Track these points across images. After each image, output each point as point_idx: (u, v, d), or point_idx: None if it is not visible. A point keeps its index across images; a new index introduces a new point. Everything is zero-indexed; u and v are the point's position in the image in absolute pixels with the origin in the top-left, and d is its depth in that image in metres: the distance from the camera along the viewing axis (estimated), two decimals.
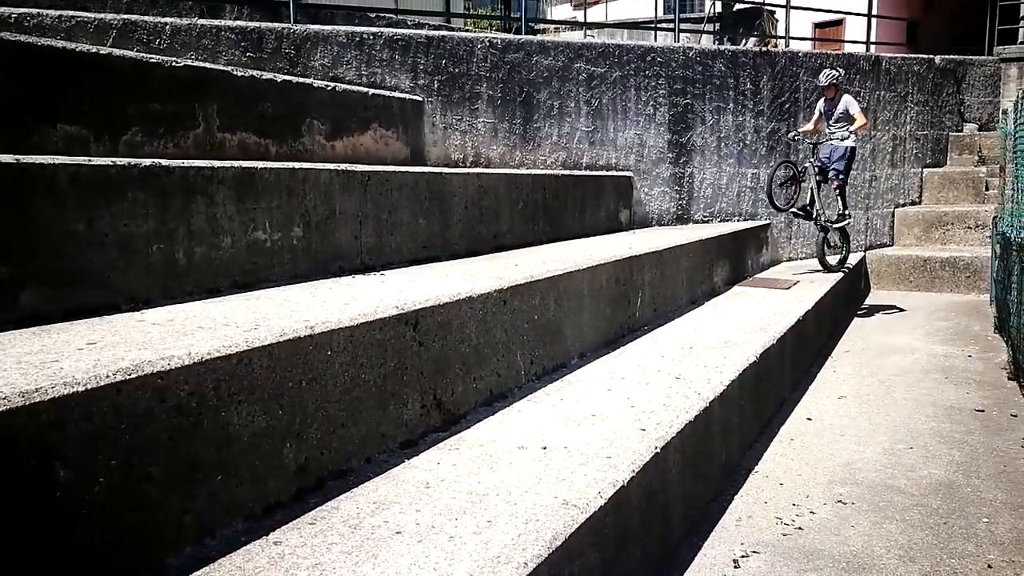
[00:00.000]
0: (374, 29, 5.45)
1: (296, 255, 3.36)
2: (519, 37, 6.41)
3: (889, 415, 4.42)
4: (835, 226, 7.34)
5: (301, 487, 2.26)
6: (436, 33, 5.94)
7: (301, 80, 4.47)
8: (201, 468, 1.96)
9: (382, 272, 3.68)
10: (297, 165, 3.39)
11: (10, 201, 2.28)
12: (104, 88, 3.35)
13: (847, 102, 7.08)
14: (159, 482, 1.85)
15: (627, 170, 7.11)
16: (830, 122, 7.25)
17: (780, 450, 3.92)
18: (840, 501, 3.30)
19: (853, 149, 7.13)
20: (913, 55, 9.43)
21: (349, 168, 3.67)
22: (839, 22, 18.43)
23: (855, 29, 16.19)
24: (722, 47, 8.20)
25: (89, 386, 1.71)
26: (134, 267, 2.66)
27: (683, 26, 8.94)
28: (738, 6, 14.94)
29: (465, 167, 5.97)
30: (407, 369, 2.72)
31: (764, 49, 8.51)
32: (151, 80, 3.56)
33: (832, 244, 7.49)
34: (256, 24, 4.85)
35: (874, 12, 10.55)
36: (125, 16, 4.32)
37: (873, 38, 10.69)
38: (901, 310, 7.64)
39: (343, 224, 3.62)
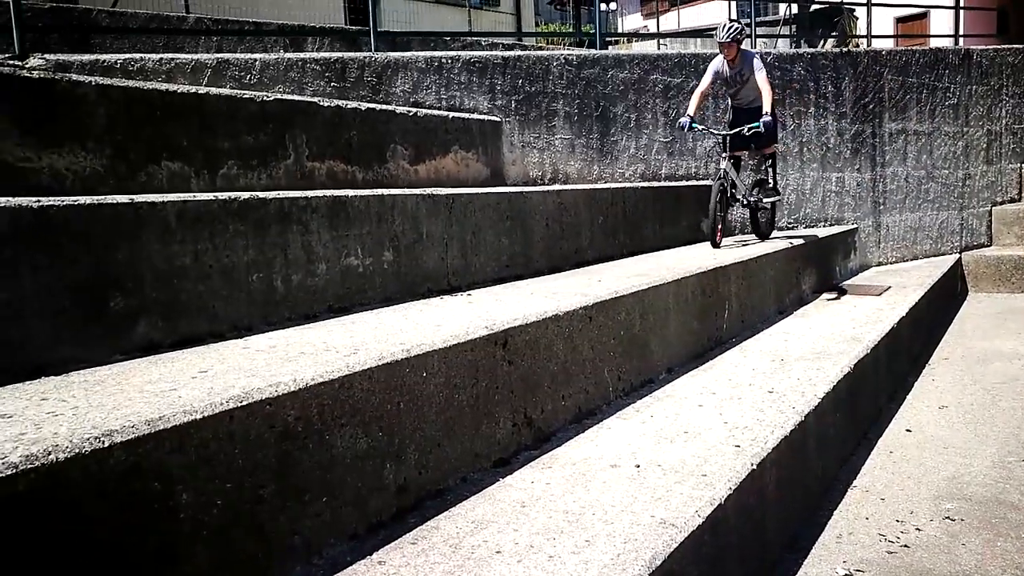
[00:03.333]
0: (452, 53, 5.56)
1: (387, 279, 3.45)
2: (594, 52, 6.43)
3: (996, 425, 4.22)
4: (766, 200, 6.31)
5: (401, 507, 2.31)
6: (512, 53, 6.01)
7: (384, 107, 4.60)
8: (308, 490, 2.03)
9: (468, 292, 3.74)
10: (385, 192, 3.49)
11: (127, 238, 2.43)
12: (202, 126, 3.53)
13: (753, 65, 5.87)
14: (269, 504, 1.93)
15: (708, 179, 7.02)
16: (731, 91, 6.12)
17: (879, 463, 3.79)
18: (948, 517, 3.17)
19: (772, 115, 5.72)
20: (1007, 45, 9.02)
21: (434, 192, 3.75)
22: (923, 15, 17.78)
23: (940, 22, 15.58)
24: (800, 50, 8.03)
25: (205, 413, 1.80)
26: (236, 296, 2.78)
27: (758, 31, 8.79)
28: (815, 6, 14.60)
29: (544, 184, 6.01)
30: (498, 388, 2.76)
31: (845, 49, 8.28)
32: (244, 115, 3.73)
33: (764, 215, 6.46)
34: (339, 55, 5.02)
35: (961, 3, 10.15)
36: (218, 55, 4.55)
37: (961, 30, 10.28)
38: (1001, 314, 7.28)
39: (430, 247, 3.70)
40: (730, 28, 5.87)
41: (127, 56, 4.18)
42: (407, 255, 3.58)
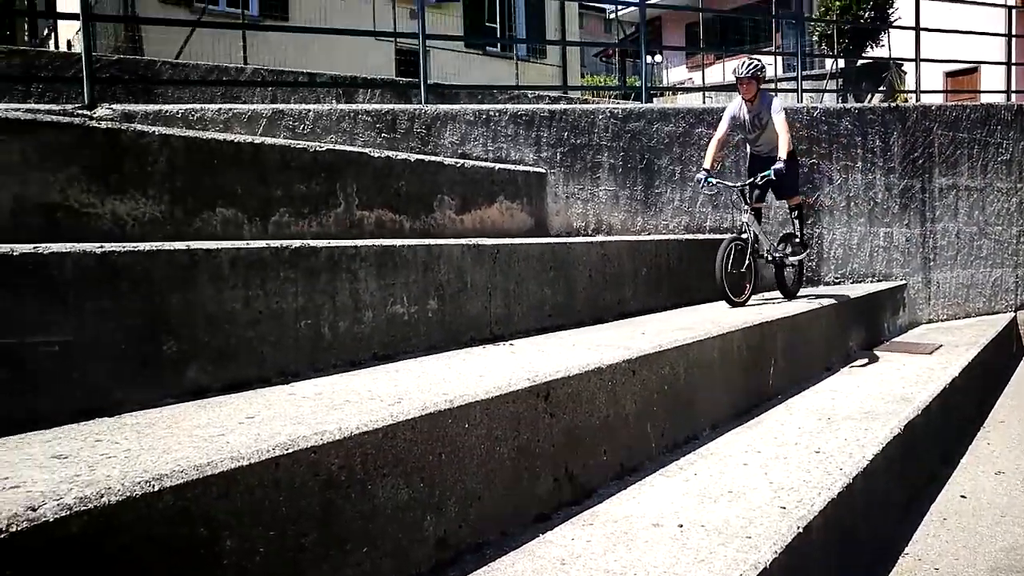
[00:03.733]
0: (499, 106, 5.67)
1: (431, 327, 3.48)
2: (639, 106, 6.49)
3: None
4: (791, 257, 5.92)
5: (440, 560, 2.30)
6: (558, 107, 6.10)
7: (432, 159, 4.69)
8: (349, 540, 2.03)
9: (511, 342, 3.75)
10: (432, 241, 3.54)
11: (182, 284, 2.50)
12: (256, 174, 3.63)
13: (770, 106, 5.45)
14: (311, 553, 1.94)
15: None
16: (750, 136, 5.68)
17: (932, 531, 3.66)
18: None
19: (787, 162, 5.25)
20: None
21: (479, 243, 3.79)
22: (973, 70, 17.63)
23: (991, 77, 15.42)
24: (848, 105, 8.00)
25: (252, 460, 1.82)
26: (284, 342, 2.83)
27: (804, 84, 8.80)
28: (862, 61, 14.59)
29: (587, 235, 6.04)
30: (539, 441, 2.74)
31: (893, 104, 8.23)
32: (297, 164, 3.83)
33: (792, 272, 6.07)
34: (390, 107, 5.15)
35: (1013, 59, 10.05)
36: (273, 105, 4.70)
37: (1013, 86, 10.16)
38: None
39: (474, 296, 3.73)
40: (749, 64, 5.49)
41: (188, 106, 4.35)
42: (451, 304, 3.61)
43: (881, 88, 13.92)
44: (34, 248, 2.17)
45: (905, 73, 16.17)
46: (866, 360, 5.94)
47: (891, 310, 7.26)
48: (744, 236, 5.39)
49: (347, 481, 2.03)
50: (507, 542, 2.50)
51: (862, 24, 14.54)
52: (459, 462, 2.39)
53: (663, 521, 2.68)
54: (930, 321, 8.02)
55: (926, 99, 13.58)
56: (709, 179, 5.38)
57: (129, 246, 2.41)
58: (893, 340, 6.95)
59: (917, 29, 8.82)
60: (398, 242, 3.38)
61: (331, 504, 1.99)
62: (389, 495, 2.15)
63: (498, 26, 18.66)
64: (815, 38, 15.53)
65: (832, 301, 5.82)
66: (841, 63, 14.37)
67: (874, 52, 15.49)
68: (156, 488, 1.63)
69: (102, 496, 1.55)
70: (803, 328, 5.16)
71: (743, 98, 5.56)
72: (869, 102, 13.61)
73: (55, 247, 2.23)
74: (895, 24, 14.25)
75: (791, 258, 5.95)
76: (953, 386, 5.04)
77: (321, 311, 2.97)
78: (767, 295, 6.18)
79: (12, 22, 14.60)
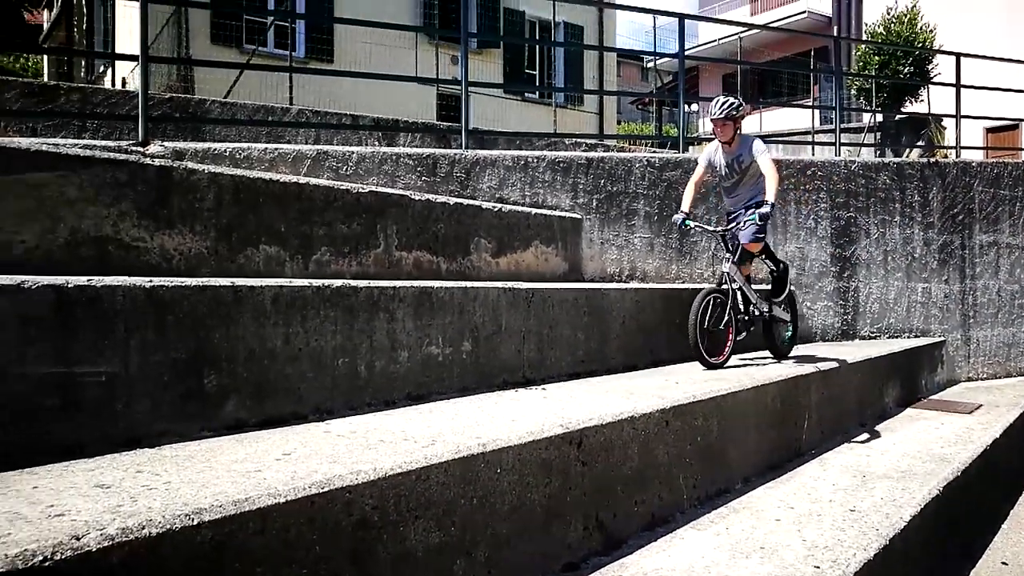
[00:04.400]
0: (537, 153, 5.74)
1: (465, 369, 3.50)
2: (676, 155, 6.54)
3: None
4: (776, 312, 5.28)
5: None
6: (595, 154, 6.17)
7: (471, 202, 4.76)
8: None
9: (543, 386, 3.75)
10: (468, 284, 3.58)
11: (225, 319, 2.56)
12: (300, 212, 3.71)
13: (751, 148, 4.88)
14: None
15: (790, 284, 6.94)
16: (726, 184, 5.15)
17: None
18: None
19: (772, 207, 4.70)
20: None
21: (515, 286, 3.82)
22: (1014, 127, 17.49)
23: None
24: (887, 160, 7.96)
25: (288, 498, 1.84)
26: (321, 379, 2.87)
27: (842, 138, 8.79)
28: (900, 115, 14.55)
29: (622, 281, 6.05)
30: (570, 489, 2.73)
31: (933, 160, 8.19)
32: (339, 204, 3.91)
33: (782, 326, 5.46)
34: (431, 151, 5.25)
35: None
36: (317, 147, 4.82)
37: None
38: None
39: (508, 339, 3.75)
40: (724, 103, 4.89)
41: (235, 145, 4.48)
42: (485, 346, 3.63)
43: (919, 143, 13.84)
44: (88, 280, 2.24)
45: (945, 128, 16.10)
46: (902, 417, 5.83)
47: (929, 367, 7.13)
48: (724, 287, 4.83)
49: (380, 522, 2.04)
50: None
51: (902, 80, 14.54)
52: (490, 506, 2.39)
53: (694, 575, 2.64)
54: (969, 379, 7.85)
55: (966, 155, 13.48)
56: (687, 222, 4.85)
57: (176, 281, 2.47)
58: (931, 398, 6.81)
59: (958, 86, 8.80)
60: (436, 284, 3.42)
61: (364, 544, 2.00)
62: (421, 537, 2.15)
63: (537, 73, 18.98)
64: (853, 91, 15.56)
65: (868, 356, 5.73)
66: (879, 117, 14.34)
67: (913, 107, 15.46)
68: (195, 522, 1.66)
69: (143, 528, 1.58)
70: (838, 383, 5.09)
71: (720, 141, 5.01)
72: (907, 156, 13.55)
73: (107, 280, 2.30)
74: (935, 80, 14.23)
75: (776, 313, 5.30)
76: (994, 447, 4.92)
77: (358, 350, 3.01)
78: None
79: (71, 61, 15.18)
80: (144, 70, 4.38)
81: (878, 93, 14.90)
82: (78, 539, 1.49)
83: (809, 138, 13.90)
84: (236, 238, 3.41)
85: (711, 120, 4.95)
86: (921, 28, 16.46)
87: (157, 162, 3.19)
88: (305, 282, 2.86)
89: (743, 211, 5.02)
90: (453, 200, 4.62)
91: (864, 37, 19.05)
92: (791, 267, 5.62)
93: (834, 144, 8.52)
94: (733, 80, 22.65)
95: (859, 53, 16.68)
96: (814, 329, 7.16)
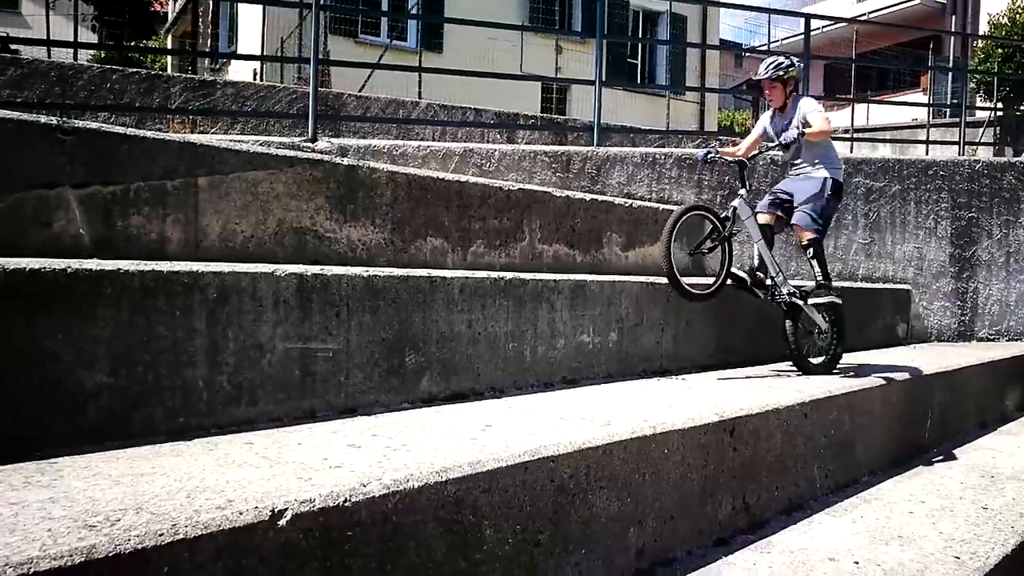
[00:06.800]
0: (664, 150, 5.95)
1: (610, 357, 3.78)
2: None
3: None
4: (812, 301, 4.43)
5: (638, 569, 2.56)
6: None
7: (604, 198, 5.01)
8: (571, 540, 2.33)
9: (682, 376, 3.99)
10: (616, 278, 3.84)
11: (422, 305, 2.90)
12: (459, 208, 4.05)
13: (805, 109, 4.34)
14: (543, 549, 2.25)
15: (905, 283, 6.94)
16: (788, 156, 4.63)
17: None
18: None
19: (834, 183, 4.34)
20: None
21: (655, 281, 4.07)
22: None
23: None
24: (1014, 160, 7.80)
25: (509, 463, 2.15)
26: (495, 361, 3.19)
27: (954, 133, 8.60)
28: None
29: None
30: (723, 472, 2.97)
31: None
32: (493, 201, 4.23)
33: (812, 331, 4.48)
34: (565, 148, 5.53)
35: None
36: (465, 144, 5.17)
37: None
38: None
39: (648, 331, 4.00)
40: (772, 62, 4.39)
41: (392, 142, 4.86)
42: (629, 336, 3.89)
43: None
44: (321, 269, 2.61)
45: None
46: (1023, 422, 5.80)
47: None
48: (723, 215, 4.17)
49: (574, 488, 2.34)
50: (692, 561, 2.74)
51: None
52: (658, 483, 2.66)
53: (838, 557, 2.84)
54: None
55: None
56: (709, 153, 4.41)
57: (386, 271, 2.82)
58: None
59: None
60: (588, 277, 3.70)
61: (560, 507, 2.30)
62: (604, 505, 2.44)
63: (639, 62, 19.00)
64: (972, 84, 15.01)
65: (989, 358, 5.73)
66: (999, 112, 13.83)
67: None
68: (444, 479, 1.98)
69: (408, 480, 1.91)
70: (959, 384, 5.14)
71: (771, 106, 4.56)
72: None
73: (335, 269, 2.66)
74: None
75: (810, 307, 4.42)
76: None
77: (524, 336, 3.32)
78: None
79: (195, 61, 16.10)
80: (315, 74, 4.79)
81: (1000, 87, 14.35)
82: (364, 486, 1.83)
83: (918, 134, 13.54)
84: (408, 231, 3.76)
85: (760, 82, 4.47)
86: None
87: (346, 161, 3.57)
88: (484, 273, 3.18)
89: (794, 178, 4.55)
90: (589, 196, 4.88)
91: (983, 26, 18.29)
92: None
93: (958, 143, 8.37)
94: (836, 67, 22.06)
95: (981, 45, 16.07)
96: (930, 329, 7.14)
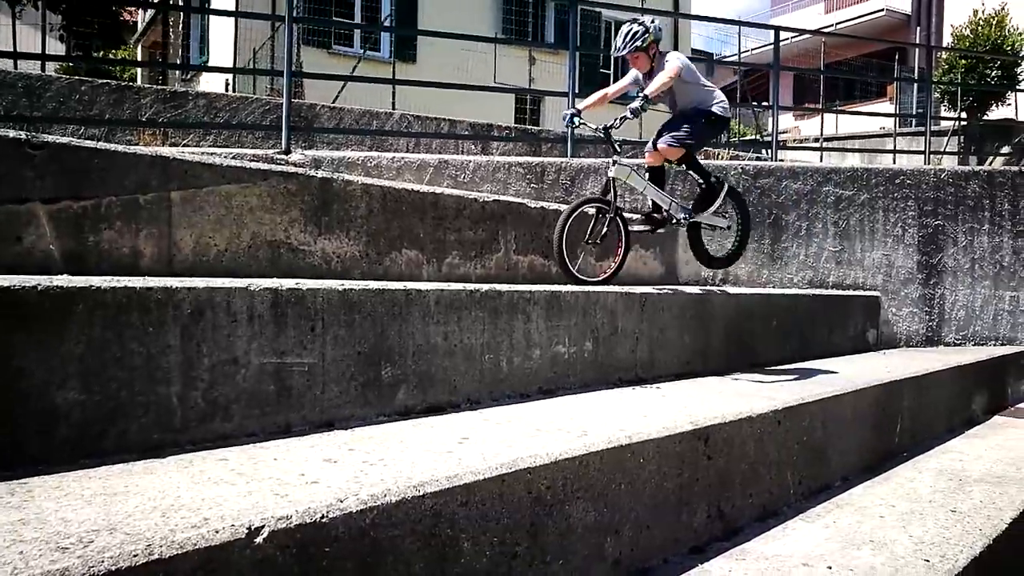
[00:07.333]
0: (638, 160, 5.99)
1: (586, 366, 3.80)
2: (770, 164, 6.72)
3: None
4: (708, 212, 4.84)
5: None
6: None
7: None
8: (549, 552, 2.34)
9: (656, 385, 4.02)
10: (591, 289, 3.87)
11: (398, 318, 2.90)
12: (435, 220, 4.06)
13: (668, 61, 4.42)
14: (521, 560, 2.25)
15: (874, 290, 7.06)
16: (669, 106, 4.76)
17: None
18: None
19: (706, 112, 4.46)
20: None
21: (630, 291, 4.10)
22: None
23: None
24: (977, 168, 7.99)
25: (486, 476, 2.16)
26: (471, 373, 3.20)
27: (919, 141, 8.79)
28: (987, 118, 14.31)
29: (715, 284, 6.27)
30: (697, 480, 3.00)
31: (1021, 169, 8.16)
32: (468, 212, 4.25)
33: (716, 227, 5.01)
34: (540, 159, 5.57)
35: None
36: (439, 156, 5.18)
37: None
38: None
39: (623, 340, 4.03)
40: (626, 34, 4.42)
41: (367, 154, 4.86)
42: (604, 346, 3.92)
43: (1005, 150, 13.60)
44: (296, 283, 2.60)
45: None
46: (991, 425, 5.91)
47: (1016, 375, 7.16)
48: (607, 196, 4.39)
49: (551, 500, 2.35)
50: (669, 569, 2.76)
51: (991, 87, 14.27)
52: (634, 492, 2.68)
53: (811, 562, 2.88)
54: None
55: None
56: (575, 118, 4.52)
57: (361, 284, 2.82)
58: (1018, 406, 6.85)
59: None
60: (563, 288, 3.72)
61: (538, 518, 2.31)
62: (580, 516, 2.45)
63: (611, 72, 19.15)
64: (936, 95, 15.33)
65: (956, 363, 5.84)
66: (963, 122, 14.14)
67: (999, 112, 15.17)
68: (420, 493, 1.98)
69: (385, 495, 1.91)
70: (928, 388, 5.23)
71: (640, 73, 4.60)
72: (991, 163, 13.34)
73: (310, 283, 2.66)
74: None
75: (709, 216, 4.85)
76: None
77: (500, 347, 3.33)
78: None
79: (165, 72, 15.97)
80: (288, 85, 4.79)
81: (963, 97, 14.67)
82: (341, 501, 1.83)
83: (886, 142, 13.79)
84: (383, 242, 3.77)
85: (617, 58, 4.55)
86: (1010, 31, 16.11)
87: (320, 174, 3.56)
88: (459, 286, 3.19)
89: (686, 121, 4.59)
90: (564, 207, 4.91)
91: (947, 37, 18.69)
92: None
93: (923, 152, 8.54)
94: (803, 78, 22.42)
95: (945, 56, 16.42)
96: (899, 335, 7.26)
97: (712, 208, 4.85)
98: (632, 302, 4.12)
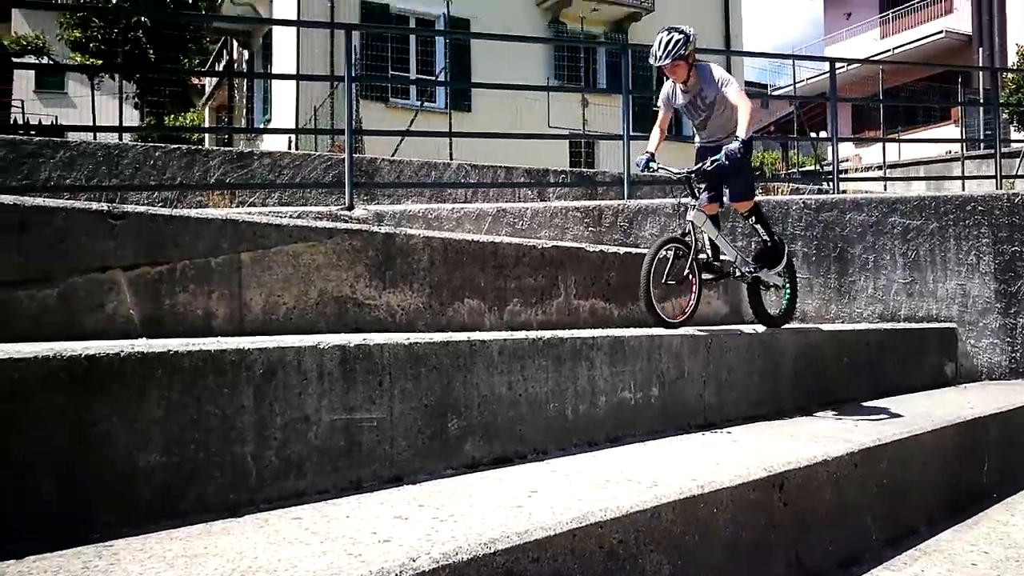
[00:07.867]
0: None
1: (653, 412, 3.75)
2: (832, 197, 6.60)
3: None
4: (772, 271, 4.90)
5: None
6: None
7: (638, 251, 5.03)
8: None
9: (727, 429, 3.94)
10: (654, 332, 3.84)
11: (462, 369, 2.92)
12: (495, 269, 4.10)
13: (714, 80, 4.37)
14: None
15: (950, 321, 6.80)
16: (697, 122, 4.67)
17: None
18: None
19: (745, 144, 4.19)
20: None
21: (695, 333, 4.05)
22: None
23: None
24: None
25: (557, 530, 2.14)
26: (536, 422, 3.19)
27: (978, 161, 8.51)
28: None
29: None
30: (774, 527, 2.91)
31: None
32: (527, 259, 4.28)
33: (769, 286, 5.00)
34: (597, 203, 5.59)
35: None
36: (497, 204, 5.26)
37: None
38: None
39: (690, 384, 3.97)
40: (666, 42, 4.27)
41: (427, 206, 4.96)
42: (670, 391, 3.86)
43: None
44: (364, 340, 2.65)
45: None
46: None
47: None
48: (687, 239, 4.37)
49: (624, 553, 2.31)
50: None
51: None
52: (708, 543, 2.61)
53: None
54: None
55: None
56: (651, 163, 4.46)
57: (426, 337, 2.86)
58: None
59: None
60: (626, 332, 3.70)
61: (610, 573, 2.27)
62: (655, 569, 2.41)
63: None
64: (1005, 116, 14.88)
65: None
66: None
67: None
68: (492, 550, 1.98)
69: (457, 553, 1.91)
70: (1016, 423, 5.00)
71: (674, 83, 4.53)
72: None
73: (376, 338, 2.70)
74: None
75: (769, 275, 4.90)
76: None
77: (565, 394, 3.32)
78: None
79: (230, 137, 16.67)
80: (349, 144, 4.94)
81: None
82: (414, 560, 1.83)
83: (952, 167, 13.42)
84: (445, 293, 3.82)
85: (657, 67, 4.44)
86: None
87: (383, 229, 3.65)
88: (522, 334, 3.20)
89: (715, 149, 4.43)
90: (623, 250, 4.91)
91: (1012, 56, 18.21)
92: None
93: (995, 177, 8.28)
94: (862, 106, 22.05)
95: (1011, 76, 15.98)
96: (979, 367, 6.96)
97: (778, 268, 4.92)
98: (698, 344, 4.06)
